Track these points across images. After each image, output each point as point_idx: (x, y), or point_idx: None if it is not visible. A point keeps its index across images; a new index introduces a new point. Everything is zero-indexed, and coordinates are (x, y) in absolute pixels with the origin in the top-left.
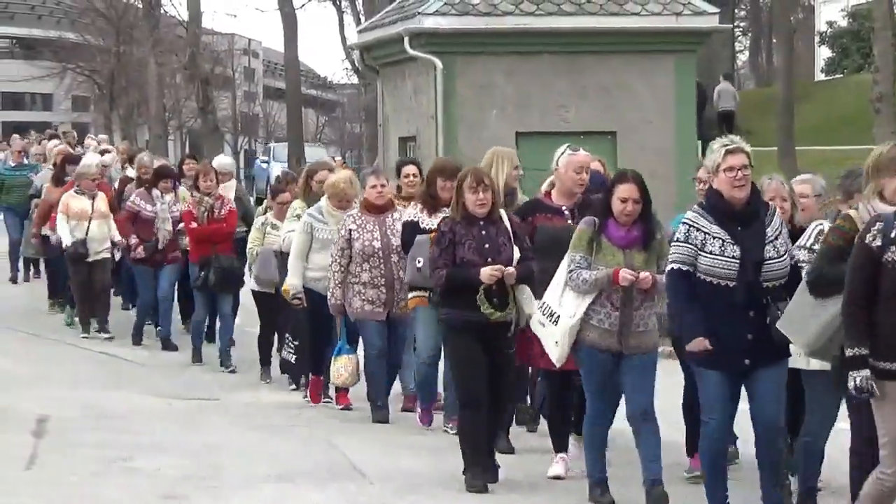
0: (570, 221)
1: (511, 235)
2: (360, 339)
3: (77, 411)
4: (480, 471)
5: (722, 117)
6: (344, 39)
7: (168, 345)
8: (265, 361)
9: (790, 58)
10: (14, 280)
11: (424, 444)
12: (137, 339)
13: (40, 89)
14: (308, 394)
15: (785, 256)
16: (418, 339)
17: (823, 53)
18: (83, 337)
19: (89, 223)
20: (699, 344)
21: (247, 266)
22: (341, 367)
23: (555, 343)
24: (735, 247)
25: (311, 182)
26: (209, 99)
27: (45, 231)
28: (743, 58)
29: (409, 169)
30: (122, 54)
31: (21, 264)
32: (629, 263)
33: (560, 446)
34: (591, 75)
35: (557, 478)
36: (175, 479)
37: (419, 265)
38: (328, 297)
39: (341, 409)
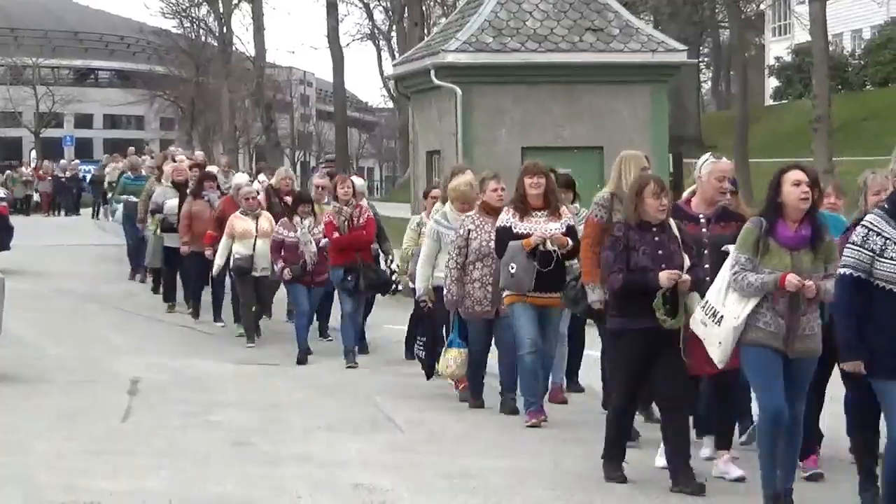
0: (704, 230)
1: (680, 243)
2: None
3: (164, 374)
4: (617, 463)
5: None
6: (381, 71)
7: (303, 358)
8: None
9: (745, 86)
10: (142, 279)
11: (448, 403)
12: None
13: (134, 112)
14: (457, 388)
15: None
16: (519, 333)
17: (772, 83)
18: (249, 347)
19: (255, 241)
20: (855, 367)
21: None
22: (451, 359)
23: (718, 343)
24: None
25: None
26: (271, 120)
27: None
28: (707, 86)
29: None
30: (200, 84)
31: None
32: (797, 266)
33: (724, 444)
34: (583, 100)
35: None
36: (244, 430)
37: (512, 271)
38: (444, 293)
39: (459, 399)
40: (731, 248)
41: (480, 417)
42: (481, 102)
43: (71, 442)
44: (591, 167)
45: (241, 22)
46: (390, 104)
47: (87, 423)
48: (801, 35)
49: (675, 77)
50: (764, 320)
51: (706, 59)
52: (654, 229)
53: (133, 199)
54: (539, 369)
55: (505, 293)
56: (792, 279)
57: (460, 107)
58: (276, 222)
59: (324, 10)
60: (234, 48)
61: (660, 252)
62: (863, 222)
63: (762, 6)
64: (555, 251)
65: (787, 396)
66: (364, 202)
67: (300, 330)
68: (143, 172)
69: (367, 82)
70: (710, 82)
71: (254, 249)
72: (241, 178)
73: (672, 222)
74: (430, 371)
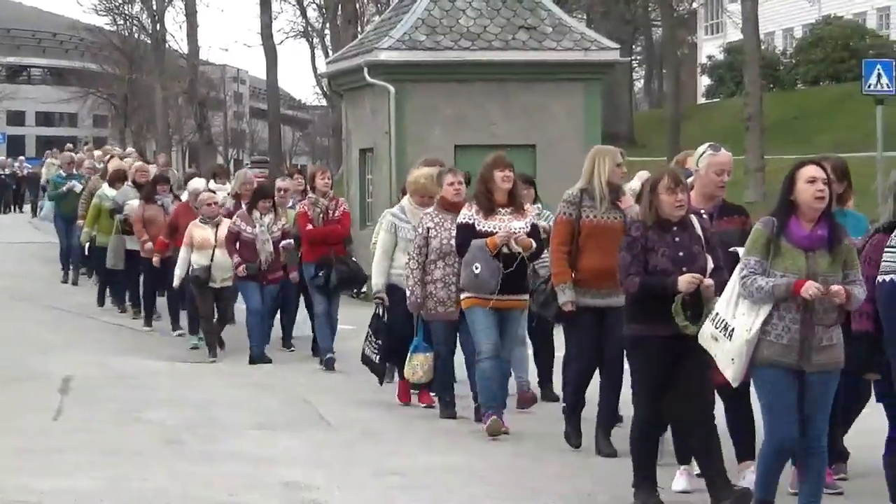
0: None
1: (704, 242)
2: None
3: (97, 372)
4: (651, 487)
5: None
6: (315, 69)
7: (262, 359)
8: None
9: (677, 85)
10: (75, 283)
11: (382, 399)
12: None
13: (67, 109)
14: (397, 395)
15: None
16: (477, 337)
17: (704, 81)
18: (211, 361)
19: (213, 251)
20: None
21: None
22: (417, 364)
23: (731, 360)
24: None
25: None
26: (205, 118)
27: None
28: (639, 84)
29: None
30: (133, 81)
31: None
32: (812, 269)
33: (747, 454)
34: (516, 98)
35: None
36: (176, 428)
37: (476, 271)
38: (408, 295)
39: (424, 407)
40: (740, 250)
41: (413, 416)
42: (414, 100)
43: (1, 440)
44: (523, 165)
45: (174, 19)
46: (324, 102)
47: (18, 421)
48: (734, 34)
49: (608, 75)
50: (775, 332)
51: (639, 58)
52: (675, 228)
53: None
54: (498, 376)
55: (463, 295)
56: (811, 287)
57: (393, 105)
58: None
59: (257, 8)
60: (167, 45)
61: (680, 253)
62: None
63: (694, 5)
64: (519, 253)
65: (806, 416)
66: (341, 198)
67: (252, 329)
68: (76, 171)
69: (301, 80)
70: (642, 81)
71: (212, 260)
72: (198, 183)
73: (695, 220)
74: (382, 375)
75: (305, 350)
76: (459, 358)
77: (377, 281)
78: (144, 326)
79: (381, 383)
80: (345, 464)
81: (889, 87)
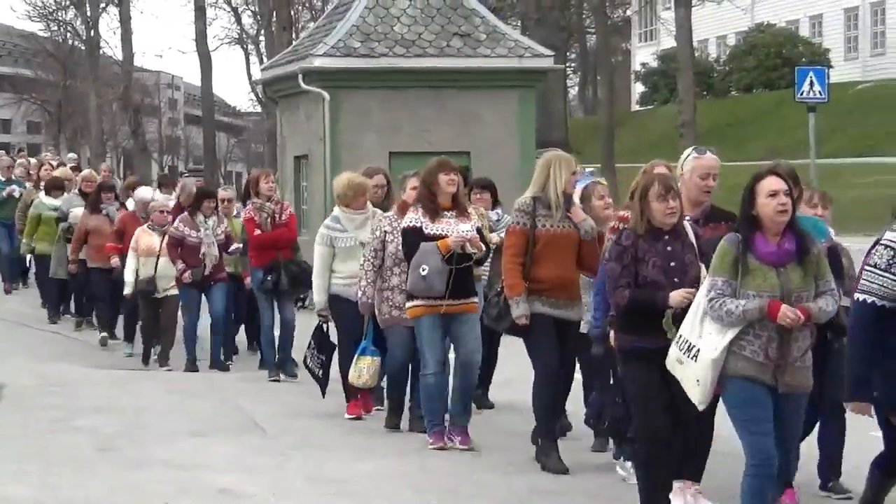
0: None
1: (697, 251)
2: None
3: (31, 380)
4: None
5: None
6: (250, 75)
7: (221, 365)
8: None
9: (611, 92)
10: (7, 291)
11: (318, 407)
12: (192, 365)
13: (0, 115)
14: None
15: None
16: (424, 350)
17: (638, 88)
18: (143, 369)
19: (158, 260)
20: (863, 409)
21: None
22: (363, 367)
23: (696, 382)
24: None
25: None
26: (139, 124)
27: (83, 255)
28: (573, 92)
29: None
30: (67, 87)
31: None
32: (786, 286)
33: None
34: (450, 105)
35: None
36: (110, 435)
37: (424, 273)
38: (359, 296)
39: (351, 418)
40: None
41: (348, 423)
42: (349, 107)
43: None
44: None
45: (108, 25)
46: (258, 108)
47: None
48: (667, 41)
49: (542, 82)
50: (751, 348)
51: (573, 65)
52: (667, 237)
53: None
54: (443, 391)
55: (409, 304)
56: (787, 313)
57: (328, 111)
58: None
59: (192, 14)
60: (101, 52)
61: (672, 263)
62: (884, 241)
63: (628, 12)
64: (473, 253)
65: (778, 439)
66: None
67: (189, 339)
68: (14, 177)
69: (236, 86)
70: (576, 88)
71: (156, 269)
72: (145, 191)
73: (688, 227)
74: (324, 387)
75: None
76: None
77: (318, 298)
78: (101, 334)
79: (323, 395)
80: (280, 471)
81: (821, 95)
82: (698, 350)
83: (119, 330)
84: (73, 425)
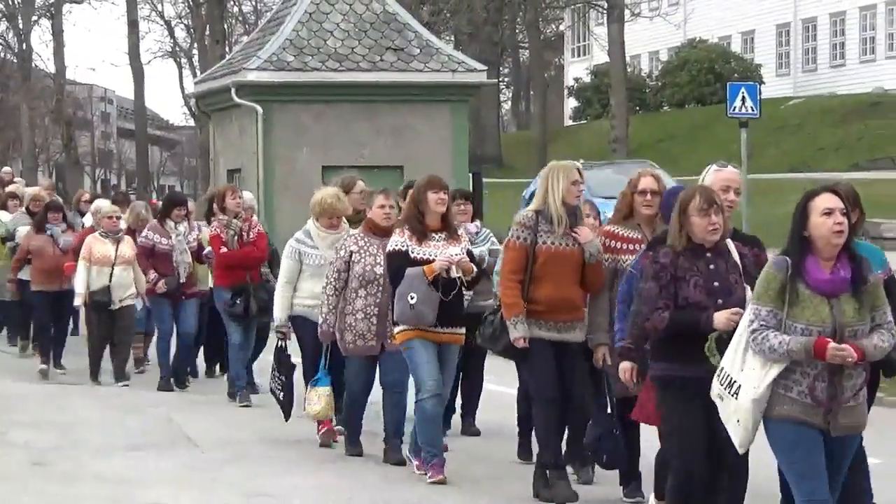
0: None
1: (742, 271)
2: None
3: None
4: None
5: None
6: (183, 89)
7: (183, 381)
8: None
9: (544, 107)
10: None
11: (250, 419)
12: (179, 383)
13: None
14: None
15: None
16: (419, 373)
17: (571, 103)
18: (94, 384)
19: (112, 269)
20: None
21: None
22: (317, 397)
23: (736, 422)
24: None
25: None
26: (72, 138)
27: (22, 276)
28: (506, 106)
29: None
30: None
31: None
32: (838, 319)
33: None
34: (384, 119)
35: None
36: (43, 450)
37: (412, 302)
38: (319, 323)
39: (320, 445)
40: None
41: (282, 438)
42: (282, 121)
43: None
44: (392, 186)
45: (40, 38)
46: (192, 122)
47: None
48: (600, 56)
49: (476, 97)
50: (798, 389)
51: (506, 80)
52: (709, 255)
53: None
54: (440, 416)
55: (398, 328)
56: (836, 353)
57: (261, 125)
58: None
59: (125, 28)
60: (33, 64)
61: (715, 283)
62: None
63: (561, 28)
64: (459, 278)
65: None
66: (254, 218)
67: (162, 354)
68: None
69: (169, 100)
70: (510, 102)
71: (111, 279)
72: (102, 203)
73: (731, 245)
74: (289, 410)
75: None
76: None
77: (279, 314)
78: (41, 365)
79: (286, 418)
80: (212, 485)
81: (753, 111)
82: (739, 386)
83: (67, 360)
84: (6, 440)
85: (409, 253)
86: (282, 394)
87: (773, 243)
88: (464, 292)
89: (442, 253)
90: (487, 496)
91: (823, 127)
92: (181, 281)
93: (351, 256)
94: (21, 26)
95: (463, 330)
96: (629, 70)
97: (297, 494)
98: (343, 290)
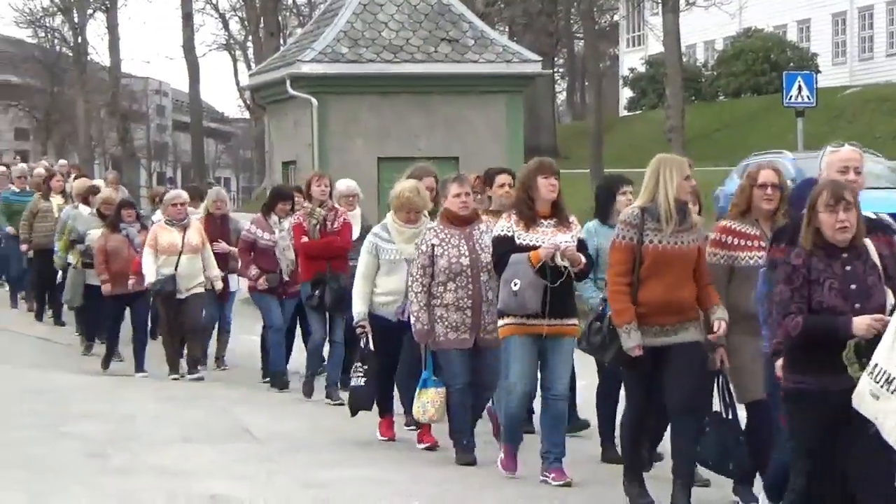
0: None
1: (881, 272)
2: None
3: (18, 386)
4: None
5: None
6: (238, 81)
7: (280, 381)
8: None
9: (599, 97)
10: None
11: (309, 411)
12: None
13: None
14: (378, 431)
15: None
16: (512, 372)
17: (626, 93)
18: (172, 378)
19: (179, 257)
20: None
21: None
22: (428, 402)
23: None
24: None
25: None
26: (127, 130)
27: (91, 280)
28: (561, 97)
29: (505, 178)
30: (55, 94)
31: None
32: None
33: None
34: (438, 111)
35: None
36: (98, 441)
37: (515, 288)
38: (412, 322)
39: (424, 448)
40: None
41: (337, 428)
42: (337, 113)
43: None
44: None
45: (96, 31)
46: (246, 114)
47: None
48: (655, 46)
49: (530, 88)
50: None
51: (561, 70)
52: (845, 255)
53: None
54: (523, 418)
55: (501, 322)
56: None
57: (316, 117)
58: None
59: (180, 21)
60: (89, 58)
61: (853, 286)
62: None
63: (616, 17)
64: (565, 268)
65: None
66: (357, 219)
67: (275, 348)
68: (28, 188)
69: (224, 92)
70: (565, 93)
71: (177, 268)
72: (174, 192)
73: (870, 245)
74: (363, 407)
75: (245, 366)
76: None
77: (359, 308)
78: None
79: (353, 413)
80: (270, 476)
81: (809, 99)
82: None
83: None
84: (62, 432)
85: (515, 239)
86: (360, 381)
87: None
88: (573, 281)
89: (550, 240)
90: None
91: (880, 115)
92: (285, 279)
93: (433, 250)
94: (77, 20)
95: (574, 321)
96: (684, 60)
97: (352, 485)
98: (430, 286)
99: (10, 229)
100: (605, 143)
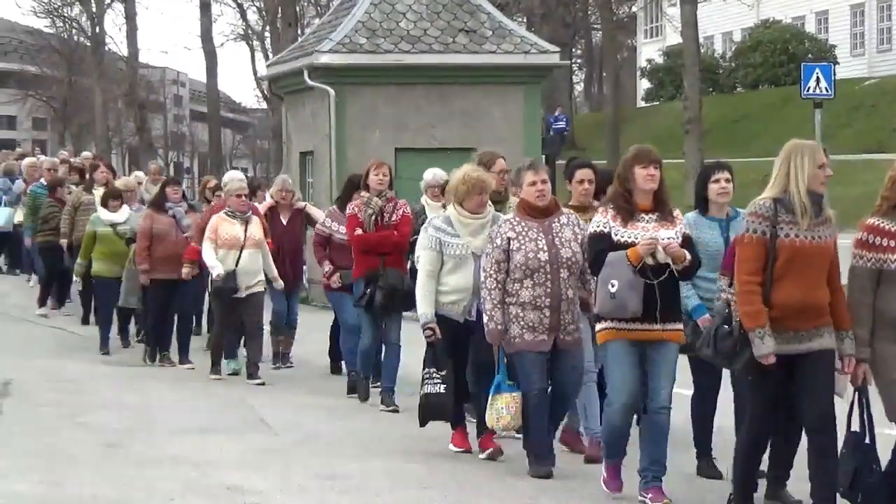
0: None
1: None
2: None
3: (36, 376)
4: None
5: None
6: (255, 72)
7: (363, 389)
8: None
9: (617, 88)
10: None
11: (324, 403)
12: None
13: (5, 112)
14: (452, 443)
15: None
16: (612, 380)
17: (643, 85)
18: (214, 378)
19: (241, 252)
20: None
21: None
22: (503, 407)
23: None
24: None
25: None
26: (145, 120)
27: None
28: (579, 88)
29: (585, 173)
30: (73, 84)
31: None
32: None
33: None
34: (456, 102)
35: None
36: (116, 431)
37: (612, 290)
38: (485, 322)
39: (485, 457)
40: None
41: (354, 420)
42: (355, 103)
43: None
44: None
45: (113, 21)
46: (264, 105)
47: None
48: (673, 37)
49: (548, 78)
50: None
51: (579, 61)
52: None
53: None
54: (628, 433)
55: (599, 326)
56: None
57: (333, 108)
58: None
59: (197, 11)
60: (106, 48)
61: None
62: None
63: (634, 8)
64: (667, 265)
65: None
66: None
67: (351, 353)
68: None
69: (241, 83)
70: (582, 84)
71: (237, 264)
72: (232, 174)
73: None
74: (450, 412)
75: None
76: None
77: (425, 309)
78: (148, 361)
79: (422, 424)
80: (286, 467)
81: (827, 91)
82: None
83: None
84: (80, 421)
85: (612, 235)
86: (443, 387)
87: (848, 224)
88: (677, 281)
89: (650, 236)
90: None
91: None
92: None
93: (509, 244)
94: (94, 10)
95: (679, 325)
96: (702, 51)
97: (368, 476)
98: (505, 283)
99: (28, 241)
100: (622, 135)
